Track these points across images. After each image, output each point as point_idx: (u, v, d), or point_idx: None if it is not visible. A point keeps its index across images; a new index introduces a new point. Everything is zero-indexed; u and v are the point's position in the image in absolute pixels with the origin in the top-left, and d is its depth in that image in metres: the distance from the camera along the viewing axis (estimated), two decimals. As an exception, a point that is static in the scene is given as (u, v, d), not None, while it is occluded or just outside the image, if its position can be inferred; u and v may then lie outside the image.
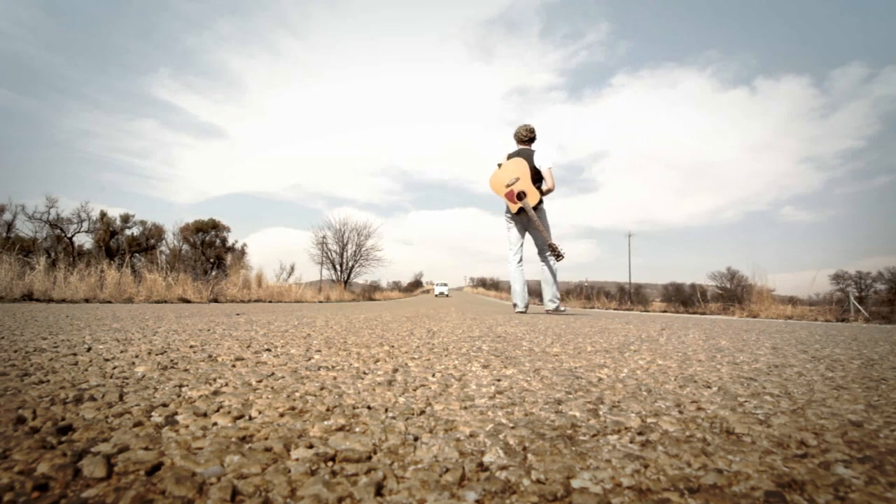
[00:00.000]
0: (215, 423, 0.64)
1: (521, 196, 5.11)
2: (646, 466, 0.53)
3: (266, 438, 0.59)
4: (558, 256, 5.13)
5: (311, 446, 0.56)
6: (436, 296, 44.18)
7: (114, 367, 1.04)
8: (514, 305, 5.39)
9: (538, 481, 0.48)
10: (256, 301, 9.56)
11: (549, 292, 5.29)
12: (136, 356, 1.22)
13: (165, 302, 6.99)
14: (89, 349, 1.32)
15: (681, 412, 0.78)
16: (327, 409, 0.73)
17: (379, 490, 0.45)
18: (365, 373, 1.08)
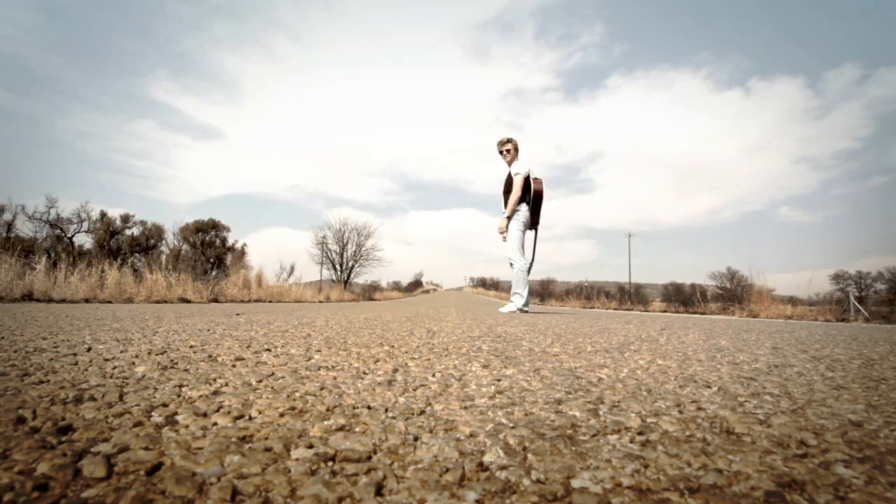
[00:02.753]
0: (215, 423, 0.64)
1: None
2: (646, 466, 0.53)
3: (266, 438, 0.59)
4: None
5: (311, 446, 0.56)
6: None
7: (114, 367, 1.04)
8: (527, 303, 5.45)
9: (538, 481, 0.48)
10: (256, 301, 9.56)
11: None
12: (136, 356, 1.22)
13: (165, 302, 6.99)
14: (89, 349, 1.32)
15: (681, 412, 0.78)
16: (327, 409, 0.73)
17: (379, 490, 0.45)
18: (365, 373, 1.08)
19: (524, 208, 5.50)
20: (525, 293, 5.41)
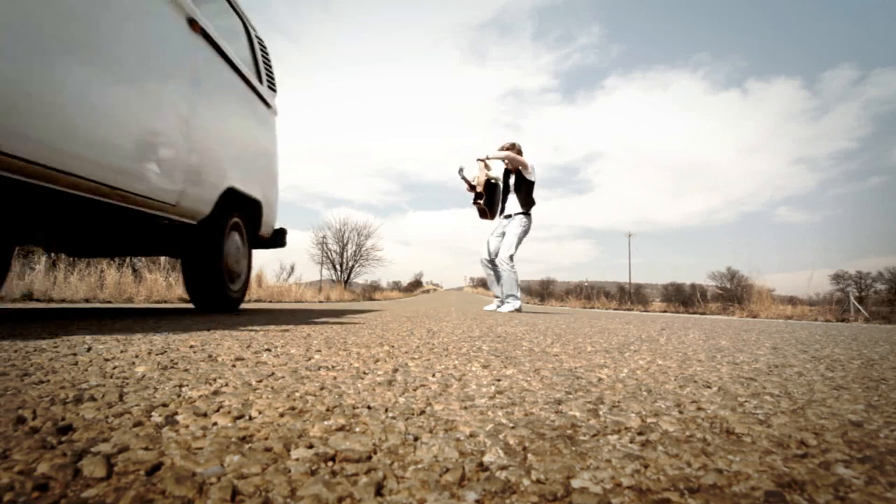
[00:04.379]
0: (215, 423, 0.64)
1: None
2: (646, 466, 0.53)
3: (266, 438, 0.59)
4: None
5: (311, 446, 0.56)
6: None
7: (114, 367, 1.04)
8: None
9: (538, 481, 0.48)
10: (256, 301, 9.56)
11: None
12: (136, 356, 1.22)
13: (165, 302, 6.99)
14: (89, 349, 1.32)
15: (681, 412, 0.79)
16: (327, 409, 0.74)
17: (379, 490, 0.45)
18: (365, 373, 1.08)
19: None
20: (520, 294, 5.47)
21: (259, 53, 3.32)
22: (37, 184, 1.55)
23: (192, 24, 2.29)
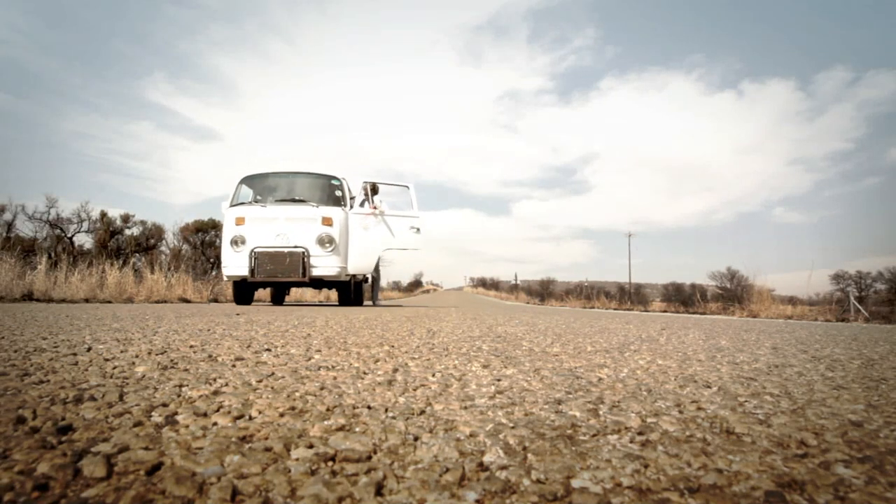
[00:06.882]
0: (215, 423, 0.64)
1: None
2: (646, 466, 0.53)
3: (266, 438, 0.59)
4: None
5: (311, 446, 0.56)
6: None
7: (114, 367, 1.04)
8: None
9: (538, 481, 0.48)
10: (257, 301, 9.55)
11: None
12: (136, 356, 1.22)
13: (165, 302, 6.99)
14: (89, 349, 1.32)
15: (681, 412, 0.79)
16: (327, 409, 0.74)
17: (379, 490, 0.45)
18: (365, 373, 1.08)
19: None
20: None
21: (348, 194, 6.97)
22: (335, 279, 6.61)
23: (339, 188, 6.83)
